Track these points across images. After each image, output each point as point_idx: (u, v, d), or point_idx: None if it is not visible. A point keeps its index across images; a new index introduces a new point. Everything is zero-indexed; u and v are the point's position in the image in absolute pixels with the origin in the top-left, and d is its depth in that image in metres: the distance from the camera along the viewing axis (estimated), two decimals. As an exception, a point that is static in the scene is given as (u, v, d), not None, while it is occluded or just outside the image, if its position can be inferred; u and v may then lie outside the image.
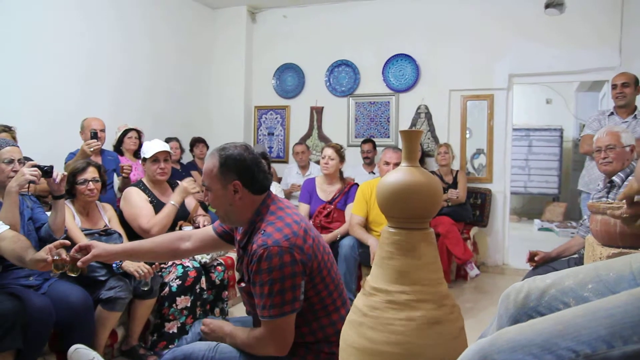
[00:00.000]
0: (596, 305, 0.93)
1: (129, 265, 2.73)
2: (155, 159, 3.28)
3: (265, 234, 1.61)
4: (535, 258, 2.96)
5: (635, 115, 3.71)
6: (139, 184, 3.34)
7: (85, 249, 1.83)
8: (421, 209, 1.17)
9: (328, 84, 6.12)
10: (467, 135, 5.66)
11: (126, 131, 4.50)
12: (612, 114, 3.83)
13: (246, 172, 1.69)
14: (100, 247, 1.85)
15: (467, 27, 5.48)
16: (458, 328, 1.21)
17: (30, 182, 2.38)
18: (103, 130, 3.88)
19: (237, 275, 1.90)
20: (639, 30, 4.33)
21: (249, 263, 1.64)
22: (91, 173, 2.97)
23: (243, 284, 1.74)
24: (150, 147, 3.30)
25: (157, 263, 2.83)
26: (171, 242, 1.99)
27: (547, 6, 5.22)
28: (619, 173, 2.76)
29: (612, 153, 2.75)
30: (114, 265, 2.71)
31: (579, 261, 2.69)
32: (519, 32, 5.29)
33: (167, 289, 3.01)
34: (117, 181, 4.07)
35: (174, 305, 3.01)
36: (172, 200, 3.21)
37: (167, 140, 5.04)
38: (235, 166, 1.68)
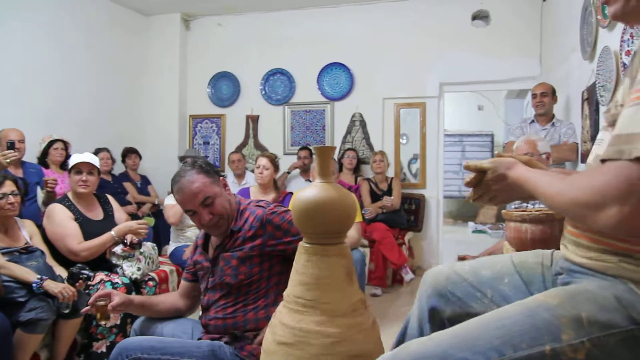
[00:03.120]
0: (491, 317, 0.98)
1: (52, 286, 2.60)
2: (78, 170, 3.15)
3: (257, 208, 1.87)
4: (464, 262, 3.06)
5: (553, 122, 3.92)
6: (64, 200, 3.19)
7: (107, 296, 1.86)
8: (335, 224, 1.18)
9: (263, 92, 6.11)
10: (404, 141, 5.80)
11: (51, 142, 4.32)
12: (533, 121, 4.03)
13: (217, 169, 1.97)
14: (121, 294, 1.89)
15: (399, 37, 5.62)
16: (309, 353, 1.14)
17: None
18: (22, 141, 3.71)
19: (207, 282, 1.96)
20: (557, 42, 4.57)
21: (247, 232, 1.81)
22: (9, 186, 2.82)
23: (230, 253, 1.84)
24: (75, 157, 3.19)
25: (81, 281, 2.72)
26: (176, 300, 2.07)
27: (473, 18, 5.45)
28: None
29: (529, 161, 2.88)
30: (34, 284, 2.58)
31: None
32: (448, 43, 5.47)
33: (97, 317, 2.89)
34: (40, 195, 3.89)
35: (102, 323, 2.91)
36: (112, 231, 3.10)
37: (97, 151, 4.89)
38: (212, 168, 1.87)
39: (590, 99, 3.30)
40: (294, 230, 1.79)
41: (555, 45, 4.65)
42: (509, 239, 1.96)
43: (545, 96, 3.93)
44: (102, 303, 1.82)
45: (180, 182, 1.78)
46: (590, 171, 0.83)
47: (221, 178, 1.90)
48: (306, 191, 1.19)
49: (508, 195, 1.16)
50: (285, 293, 1.24)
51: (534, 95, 4.01)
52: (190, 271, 2.05)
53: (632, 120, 0.77)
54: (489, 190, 1.17)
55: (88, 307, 1.86)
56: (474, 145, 9.64)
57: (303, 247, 1.21)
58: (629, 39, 2.48)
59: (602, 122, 1.14)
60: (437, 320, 1.35)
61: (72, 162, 3.17)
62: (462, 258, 3.09)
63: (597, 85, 3.09)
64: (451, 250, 5.81)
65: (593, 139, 3.21)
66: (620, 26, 2.63)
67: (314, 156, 3.98)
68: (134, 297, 1.99)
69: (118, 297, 1.85)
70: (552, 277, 1.19)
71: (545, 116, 3.97)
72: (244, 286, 1.81)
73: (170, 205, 4.10)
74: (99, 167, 3.27)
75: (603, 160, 0.81)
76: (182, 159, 5.60)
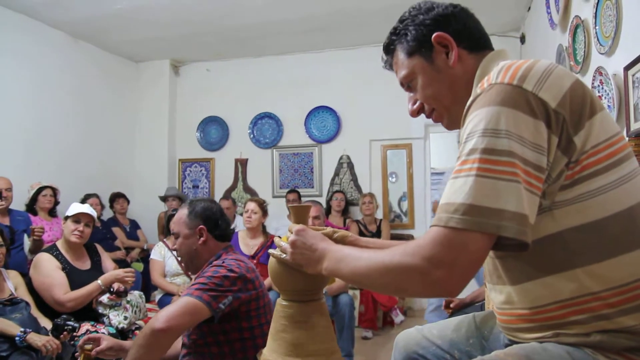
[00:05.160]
0: None
1: (36, 339, 2.57)
2: (76, 219, 3.18)
3: (224, 260, 1.83)
4: (451, 305, 3.07)
5: None
6: (52, 249, 3.19)
7: (95, 340, 1.84)
8: (311, 281, 1.21)
9: (252, 136, 6.19)
10: (393, 179, 5.86)
11: (40, 189, 4.34)
12: None
13: (211, 219, 1.95)
14: (111, 339, 1.88)
15: (383, 80, 5.66)
16: None
17: None
18: (9, 190, 3.73)
19: None
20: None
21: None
22: (-6, 238, 2.83)
23: None
24: (76, 207, 3.23)
25: (66, 332, 2.70)
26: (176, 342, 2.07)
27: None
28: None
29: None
30: (17, 338, 2.55)
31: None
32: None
33: (80, 358, 2.86)
34: (27, 243, 3.88)
35: (87, 375, 2.86)
36: (99, 280, 3.10)
37: (87, 197, 4.91)
38: (201, 213, 1.95)
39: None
40: (202, 286, 1.71)
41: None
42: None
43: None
44: (88, 347, 1.83)
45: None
46: (415, 240, 0.90)
47: (200, 227, 1.93)
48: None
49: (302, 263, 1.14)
50: None
51: None
52: None
53: (450, 191, 0.87)
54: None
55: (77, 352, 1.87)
56: (463, 182, 9.70)
57: (277, 303, 1.25)
58: (599, 85, 2.58)
59: None
60: None
61: (71, 210, 3.20)
62: (449, 301, 3.10)
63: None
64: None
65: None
66: (591, 70, 2.73)
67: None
68: (126, 343, 1.96)
69: (106, 342, 1.85)
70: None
71: None
72: (199, 346, 1.78)
73: (155, 260, 4.16)
74: (95, 220, 3.31)
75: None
76: (163, 198, 5.61)
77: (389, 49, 1.19)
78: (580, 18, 2.92)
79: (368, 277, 0.96)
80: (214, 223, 1.96)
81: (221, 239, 1.99)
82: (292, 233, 1.16)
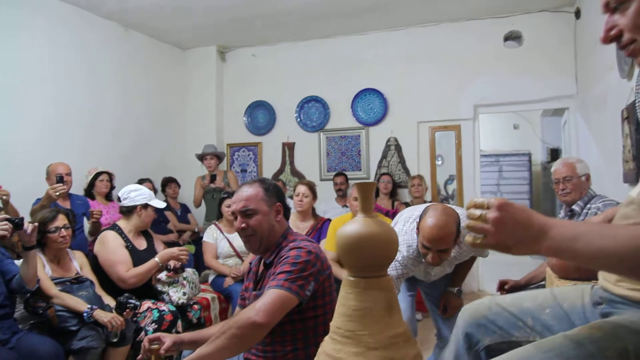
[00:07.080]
0: (537, 347, 0.99)
1: (102, 316, 2.70)
2: (156, 210, 3.43)
3: (296, 242, 1.84)
4: (505, 287, 3.02)
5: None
6: (115, 228, 3.33)
7: (157, 339, 1.82)
8: (375, 258, 1.20)
9: (299, 119, 6.22)
10: (439, 162, 5.79)
11: (97, 174, 4.49)
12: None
13: (282, 197, 1.97)
14: (171, 335, 1.86)
15: (431, 61, 5.66)
16: None
17: (2, 236, 2.37)
18: (69, 174, 3.88)
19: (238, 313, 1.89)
20: (592, 59, 4.51)
21: (274, 268, 1.80)
22: (61, 220, 2.97)
23: (255, 292, 1.89)
24: (155, 199, 3.44)
25: (128, 310, 2.81)
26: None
27: (506, 39, 5.45)
28: (578, 202, 2.87)
29: (569, 184, 2.85)
30: (85, 314, 2.68)
31: (545, 289, 2.75)
32: (481, 65, 5.48)
33: (142, 334, 2.98)
34: (87, 225, 4.04)
35: (149, 351, 2.98)
36: (157, 258, 3.22)
37: (141, 181, 5.05)
38: (275, 192, 1.95)
39: (630, 118, 3.24)
40: (289, 275, 1.71)
41: (591, 64, 4.59)
42: (552, 265, 1.93)
43: (445, 252, 2.33)
44: (155, 346, 1.82)
45: (242, 186, 1.95)
46: None
47: (278, 204, 1.92)
48: (349, 226, 1.22)
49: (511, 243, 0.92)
50: (331, 323, 1.27)
51: (428, 248, 2.27)
52: (243, 297, 2.05)
53: None
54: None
55: (140, 356, 1.81)
56: (511, 164, 9.47)
57: (346, 280, 1.24)
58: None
59: None
60: (473, 346, 1.37)
61: (149, 197, 3.38)
62: (503, 282, 3.06)
63: (637, 104, 3.04)
64: (491, 274, 5.70)
65: (635, 158, 3.15)
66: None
67: (352, 187, 4.02)
68: (184, 335, 1.96)
69: (169, 339, 1.83)
70: (592, 307, 1.18)
71: None
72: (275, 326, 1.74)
73: (207, 242, 4.25)
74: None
75: None
76: (200, 157, 5.66)
77: None
78: (644, -12, 2.78)
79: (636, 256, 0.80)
80: (284, 201, 1.98)
81: (287, 218, 2.00)
82: (485, 208, 0.92)
